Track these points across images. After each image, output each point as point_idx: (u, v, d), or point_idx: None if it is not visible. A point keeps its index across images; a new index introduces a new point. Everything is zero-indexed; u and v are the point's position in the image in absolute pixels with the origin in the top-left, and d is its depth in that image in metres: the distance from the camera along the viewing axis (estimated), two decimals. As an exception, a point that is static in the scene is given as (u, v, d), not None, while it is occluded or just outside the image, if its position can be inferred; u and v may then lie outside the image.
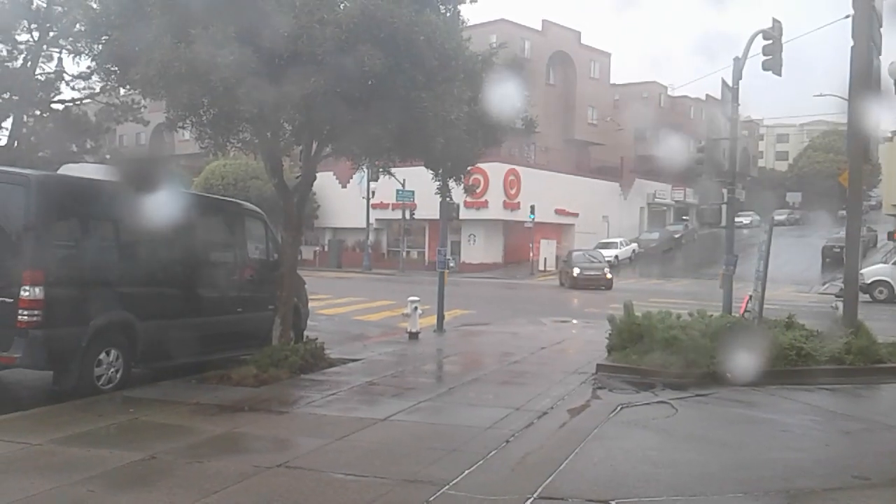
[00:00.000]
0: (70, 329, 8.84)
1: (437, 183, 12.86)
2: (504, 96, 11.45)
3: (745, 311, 13.12)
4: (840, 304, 13.14)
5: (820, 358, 10.91)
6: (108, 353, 9.33)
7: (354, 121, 9.79)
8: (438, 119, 9.89)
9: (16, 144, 26.87)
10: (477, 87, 10.98)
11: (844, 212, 16.00)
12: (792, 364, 10.74)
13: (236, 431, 7.88)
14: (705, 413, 9.20)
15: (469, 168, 12.55)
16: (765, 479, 6.33)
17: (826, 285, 33.42)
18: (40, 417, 8.11)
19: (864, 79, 12.30)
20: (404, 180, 37.26)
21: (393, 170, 12.49)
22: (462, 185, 12.76)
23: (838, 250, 32.92)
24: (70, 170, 10.95)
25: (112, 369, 9.39)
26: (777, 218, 57.82)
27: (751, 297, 12.77)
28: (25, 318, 8.44)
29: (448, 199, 14.80)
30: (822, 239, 42.90)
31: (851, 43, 12.36)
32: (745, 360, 10.18)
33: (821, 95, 49.42)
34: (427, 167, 12.11)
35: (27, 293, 8.43)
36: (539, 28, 55.73)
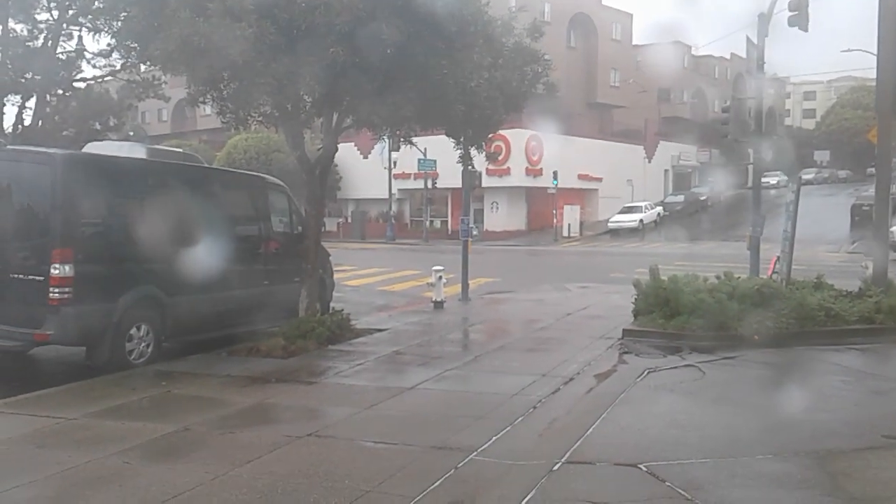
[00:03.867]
0: (100, 305, 8.98)
1: (459, 151, 12.80)
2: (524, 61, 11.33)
3: (773, 272, 12.99)
4: (870, 264, 12.96)
5: (849, 318, 10.80)
6: (138, 328, 9.48)
7: (374, 90, 9.74)
8: (458, 86, 9.82)
9: (40, 124, 27.04)
10: (497, 52, 10.87)
11: (873, 169, 15.73)
12: (821, 325, 10.65)
13: (267, 402, 7.99)
14: (733, 376, 9.16)
15: (490, 135, 12.46)
16: (794, 441, 6.31)
17: (855, 244, 32.96)
18: (74, 392, 8.27)
19: (892, 33, 12.01)
20: (426, 149, 37.09)
21: (414, 139, 12.43)
22: (484, 152, 12.69)
23: (867, 208, 32.35)
24: (94, 147, 11.04)
25: (143, 344, 9.54)
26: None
27: (778, 258, 12.63)
28: (56, 295, 8.58)
29: (470, 167, 14.73)
30: (851, 197, 42.25)
31: (880, -4, 12.07)
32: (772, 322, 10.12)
33: (848, 51, 48.73)
34: (448, 135, 12.04)
35: (57, 271, 8.56)
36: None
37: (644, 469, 5.62)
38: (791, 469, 5.72)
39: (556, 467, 5.70)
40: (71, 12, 26.39)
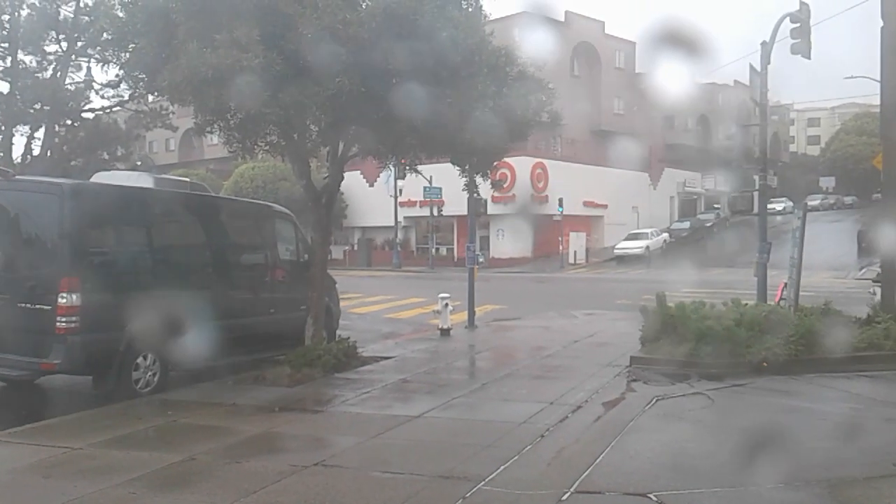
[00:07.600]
0: (107, 334, 8.97)
1: (464, 179, 12.83)
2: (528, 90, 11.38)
3: (781, 299, 12.95)
4: (878, 290, 12.90)
5: (858, 345, 10.73)
6: (144, 357, 9.46)
7: (380, 119, 9.80)
8: (463, 115, 9.87)
9: (48, 154, 27.28)
10: (501, 81, 10.94)
11: (879, 195, 15.73)
12: (830, 351, 10.57)
13: (273, 431, 7.95)
14: (742, 403, 9.09)
15: (495, 163, 12.50)
16: (804, 469, 6.24)
17: (863, 270, 32.78)
18: (81, 421, 8.24)
19: (895, 59, 12.06)
20: (431, 177, 37.26)
21: (419, 167, 12.48)
22: (489, 180, 12.71)
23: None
24: (102, 177, 11.10)
25: (149, 373, 9.52)
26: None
27: (786, 284, 12.59)
28: (63, 324, 8.58)
29: (475, 194, 14.76)
30: (858, 223, 42.19)
31: (881, 23, 12.14)
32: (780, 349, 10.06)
33: (851, 77, 48.52)
34: (453, 163, 12.08)
35: (64, 300, 8.57)
36: (562, 20, 55.33)
37: (654, 499, 5.56)
38: (802, 498, 5.66)
39: (565, 497, 5.64)
40: (79, 44, 26.72)
